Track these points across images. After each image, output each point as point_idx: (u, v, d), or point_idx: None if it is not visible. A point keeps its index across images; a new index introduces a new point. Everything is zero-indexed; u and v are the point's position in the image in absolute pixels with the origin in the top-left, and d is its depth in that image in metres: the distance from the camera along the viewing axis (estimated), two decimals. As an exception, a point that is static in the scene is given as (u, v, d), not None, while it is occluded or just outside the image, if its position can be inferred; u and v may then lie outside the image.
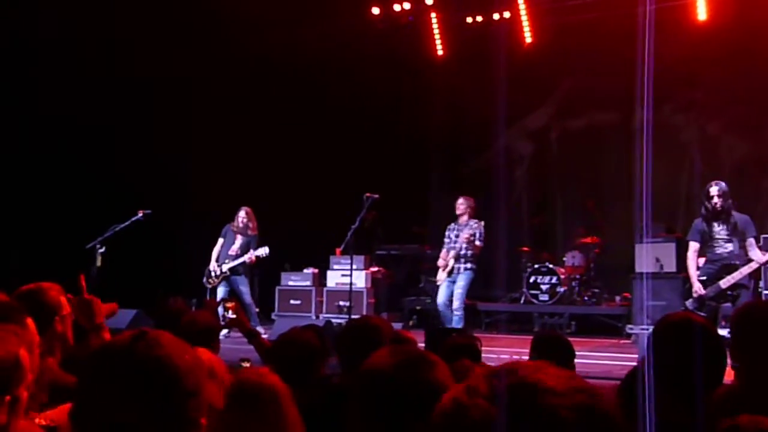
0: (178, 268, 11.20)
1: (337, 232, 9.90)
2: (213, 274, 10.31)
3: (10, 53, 10.88)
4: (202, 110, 12.08)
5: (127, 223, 9.59)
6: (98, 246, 9.43)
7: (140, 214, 9.72)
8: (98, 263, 9.36)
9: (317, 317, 11.26)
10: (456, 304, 9.85)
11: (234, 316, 4.63)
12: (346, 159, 12.40)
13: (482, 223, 9.64)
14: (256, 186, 11.46)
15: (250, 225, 10.34)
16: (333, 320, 9.66)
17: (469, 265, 9.94)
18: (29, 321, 2.32)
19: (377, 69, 12.55)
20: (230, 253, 10.36)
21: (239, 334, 5.45)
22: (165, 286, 10.62)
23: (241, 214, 10.37)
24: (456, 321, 9.73)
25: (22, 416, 1.97)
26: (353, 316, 8.85)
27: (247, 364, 3.69)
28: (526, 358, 5.71)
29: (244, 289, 10.32)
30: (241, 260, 10.22)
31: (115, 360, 1.46)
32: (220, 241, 10.45)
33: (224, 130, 12.12)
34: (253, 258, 10.17)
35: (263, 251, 10.13)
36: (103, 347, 1.54)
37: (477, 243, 9.66)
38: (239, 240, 10.42)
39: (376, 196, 9.13)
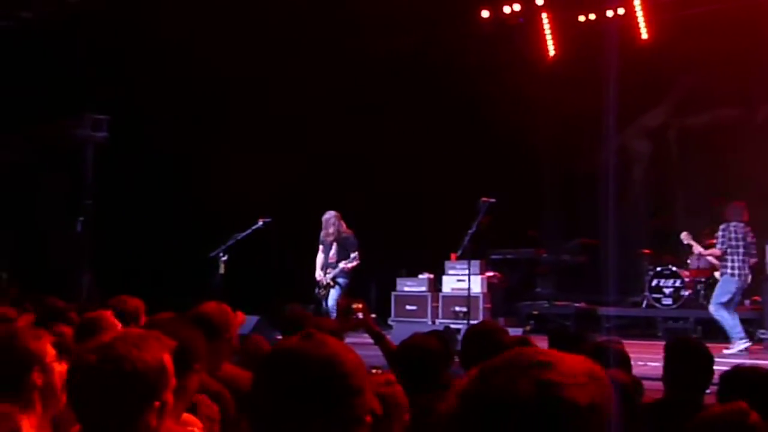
0: (295, 275, 11.20)
1: (452, 237, 9.90)
2: (320, 284, 10.25)
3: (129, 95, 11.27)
4: (319, 114, 12.17)
5: (248, 232, 9.70)
6: (221, 254, 9.59)
7: (260, 222, 9.80)
8: (221, 270, 9.56)
9: (433, 322, 11.23)
10: None
11: (361, 316, 4.62)
12: (458, 163, 12.30)
13: None
14: (372, 192, 11.70)
15: (341, 229, 10.10)
16: (451, 326, 9.87)
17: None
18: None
19: (487, 71, 12.39)
20: (330, 261, 10.23)
21: (362, 338, 5.51)
22: (282, 293, 10.59)
23: (329, 220, 10.10)
24: None
25: (169, 420, 2.04)
26: (471, 322, 8.79)
27: (378, 371, 3.55)
28: (654, 364, 5.88)
29: (335, 293, 10.12)
30: (339, 269, 10.06)
31: (287, 360, 1.53)
32: (320, 249, 10.29)
33: (337, 136, 12.16)
34: (348, 267, 9.98)
35: (349, 263, 9.89)
36: (275, 350, 1.61)
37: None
38: (334, 246, 10.26)
39: (493, 200, 9.14)
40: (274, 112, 11.84)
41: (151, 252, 11.65)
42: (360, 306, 4.66)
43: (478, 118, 12.38)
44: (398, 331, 9.21)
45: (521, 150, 12.41)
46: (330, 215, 10.05)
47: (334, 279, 10.04)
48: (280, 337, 5.82)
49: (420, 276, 11.95)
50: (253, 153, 11.57)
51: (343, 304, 5.14)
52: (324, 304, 10.12)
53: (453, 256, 11.17)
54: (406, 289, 11.94)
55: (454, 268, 11.59)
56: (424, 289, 11.84)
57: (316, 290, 10.19)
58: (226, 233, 9.71)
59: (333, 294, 10.03)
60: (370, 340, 4.59)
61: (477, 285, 11.11)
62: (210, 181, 11.62)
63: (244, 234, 9.63)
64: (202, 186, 11.75)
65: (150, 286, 7.69)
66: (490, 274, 11.80)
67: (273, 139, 11.98)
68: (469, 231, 9.12)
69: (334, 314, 9.29)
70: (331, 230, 9.98)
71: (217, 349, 3.07)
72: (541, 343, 5.07)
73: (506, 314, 11.66)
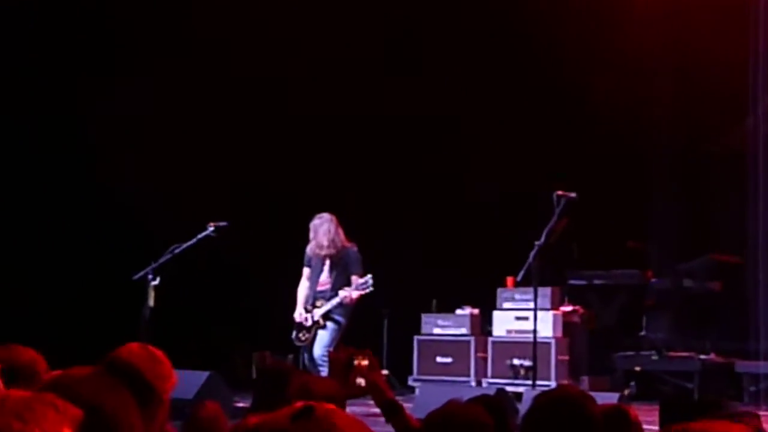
0: (262, 308, 10.14)
1: (508, 252, 9.26)
2: (303, 326, 8.80)
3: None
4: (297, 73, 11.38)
5: (191, 242, 8.35)
6: (150, 276, 8.20)
7: (210, 228, 8.47)
8: (150, 301, 8.24)
9: (479, 383, 10.00)
10: None
11: (364, 381, 3.96)
12: (520, 139, 10.91)
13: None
14: (380, 186, 10.91)
15: (339, 239, 8.76)
16: (506, 388, 8.66)
17: None
18: None
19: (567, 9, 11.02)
20: (320, 287, 8.75)
21: (365, 406, 5.10)
22: (243, 335, 10.25)
23: (322, 226, 8.76)
24: None
25: None
26: (539, 384, 8.26)
27: None
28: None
29: (326, 337, 8.70)
30: (335, 301, 8.59)
31: None
32: (305, 273, 8.91)
33: (320, 101, 11.30)
34: (352, 296, 8.52)
35: (357, 290, 8.53)
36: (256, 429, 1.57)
37: None
38: (327, 265, 8.83)
39: (572, 195, 8.27)
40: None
41: (48, 275, 10.26)
42: (366, 361, 4.02)
43: (551, 77, 11.10)
44: (424, 398, 8.32)
45: (619, 122, 11.11)
46: (323, 219, 8.82)
47: (327, 315, 8.67)
48: (242, 404, 6.29)
49: (458, 311, 10.46)
50: (198, 128, 10.83)
51: (341, 356, 4.31)
52: (303, 355, 8.86)
53: (510, 280, 10.00)
54: (438, 331, 10.49)
55: (511, 299, 10.33)
56: (464, 330, 10.39)
57: (295, 334, 8.81)
58: (158, 245, 8.49)
59: (322, 338, 8.71)
60: (378, 412, 3.96)
61: (547, 325, 9.91)
62: (131, 169, 10.36)
63: (186, 245, 8.31)
64: (118, 176, 10.40)
65: (46, 325, 8.18)
66: (569, 308, 10.46)
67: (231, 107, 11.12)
68: (536, 242, 8.24)
69: (323, 370, 8.38)
70: (324, 241, 8.73)
71: (151, 416, 2.39)
72: (650, 415, 5.47)
73: (593, 371, 10.33)
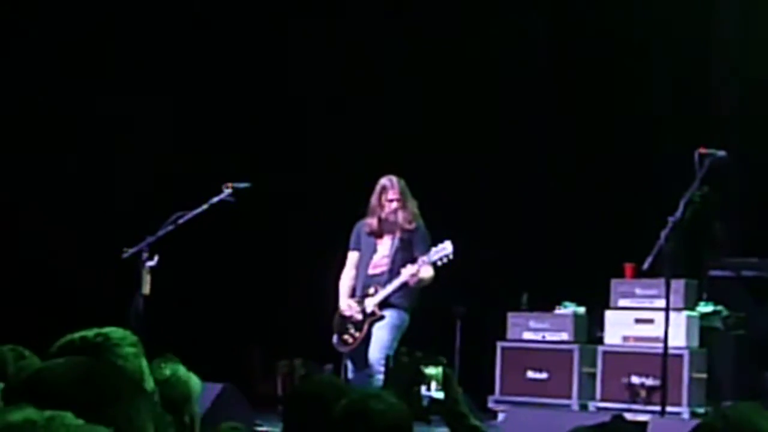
0: (288, 303, 9.34)
1: (627, 229, 8.44)
2: (350, 321, 7.47)
3: None
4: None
5: (200, 210, 7.19)
6: (145, 256, 7.13)
7: (226, 191, 7.30)
8: (145, 288, 7.13)
9: (584, 408, 8.65)
10: None
11: (441, 395, 3.78)
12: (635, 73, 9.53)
13: None
14: (449, 144, 9.62)
15: (407, 210, 7.33)
16: (625, 414, 6.99)
17: None
18: None
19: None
20: (373, 270, 7.34)
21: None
22: (265, 337, 9.22)
23: (388, 190, 7.33)
24: None
25: None
26: (669, 410, 7.21)
27: None
28: None
29: (384, 336, 7.31)
30: (397, 283, 7.16)
31: None
32: (352, 258, 7.53)
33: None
34: (417, 274, 7.12)
35: (439, 253, 7.15)
36: None
37: None
38: (387, 241, 7.43)
39: (721, 153, 6.85)
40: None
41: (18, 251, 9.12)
42: (439, 370, 3.82)
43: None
44: (511, 427, 7.50)
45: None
46: (388, 183, 7.36)
47: (385, 304, 7.21)
48: (266, 428, 6.15)
49: (558, 310, 8.97)
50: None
51: (410, 363, 4.31)
52: (347, 364, 7.49)
53: (629, 268, 8.66)
54: (529, 336, 9.03)
55: (631, 294, 8.79)
56: (565, 336, 8.91)
57: (337, 337, 7.44)
58: (156, 213, 7.41)
59: (379, 337, 7.23)
60: None
61: (680, 331, 8.42)
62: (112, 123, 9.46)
63: (193, 213, 7.12)
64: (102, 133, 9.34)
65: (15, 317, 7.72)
66: (709, 308, 8.95)
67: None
68: (670, 218, 6.72)
69: (380, 377, 7.20)
70: (415, 211, 7.37)
71: None
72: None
73: (739, 393, 8.58)
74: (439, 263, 7.15)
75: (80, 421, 1.35)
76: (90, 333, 2.27)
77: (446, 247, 7.13)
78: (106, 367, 1.78)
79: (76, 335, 2.27)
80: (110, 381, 1.67)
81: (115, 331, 2.35)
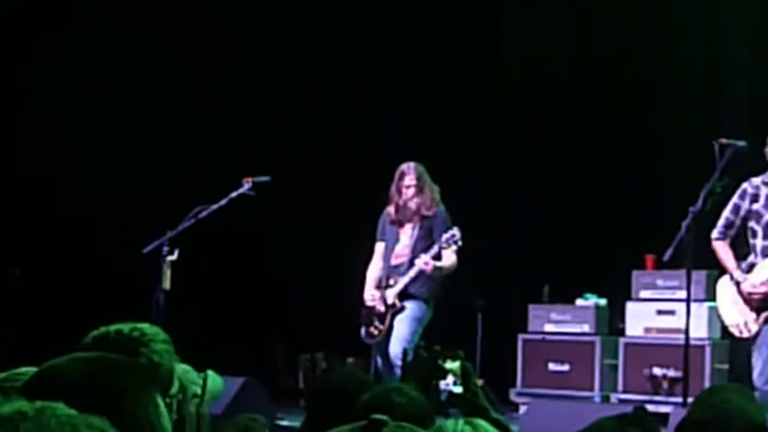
0: (312, 296, 9.20)
1: (647, 220, 8.44)
2: (375, 313, 7.38)
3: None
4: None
5: (221, 204, 7.26)
6: (165, 250, 7.15)
7: (246, 185, 7.36)
8: (166, 283, 7.16)
9: (606, 399, 8.67)
10: None
11: (459, 389, 3.81)
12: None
13: None
14: (471, 128, 9.53)
15: (430, 196, 7.23)
16: (646, 406, 7.33)
17: None
18: None
19: None
20: (395, 261, 7.26)
21: None
22: (287, 331, 9.23)
23: (410, 176, 7.24)
24: None
25: None
26: (690, 400, 6.24)
27: None
28: None
29: (404, 329, 7.22)
30: (412, 273, 7.14)
31: None
32: (379, 249, 7.46)
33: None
34: (429, 264, 7.05)
35: (447, 238, 7.12)
36: None
37: None
38: (408, 230, 7.28)
39: (741, 143, 6.64)
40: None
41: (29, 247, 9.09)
42: (457, 364, 3.86)
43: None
44: (532, 419, 7.37)
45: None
46: (406, 168, 7.30)
47: (404, 295, 7.17)
48: (287, 422, 6.27)
49: (579, 302, 8.98)
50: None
51: (428, 357, 4.14)
52: (376, 358, 7.47)
53: (650, 260, 8.67)
54: (551, 328, 9.00)
55: (652, 285, 8.82)
56: (587, 328, 8.89)
57: (365, 329, 7.36)
58: (176, 208, 7.39)
59: (400, 330, 7.18)
60: None
61: (701, 323, 8.41)
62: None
63: (214, 208, 7.18)
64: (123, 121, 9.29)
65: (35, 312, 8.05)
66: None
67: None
68: (691, 208, 6.64)
69: (397, 370, 7.15)
70: (436, 196, 7.31)
71: None
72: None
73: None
74: (446, 246, 7.11)
75: (72, 411, 1.34)
76: (125, 327, 2.24)
77: (455, 232, 7.09)
78: (113, 363, 1.78)
79: (112, 328, 2.23)
80: (116, 377, 1.67)
81: (148, 327, 2.32)
